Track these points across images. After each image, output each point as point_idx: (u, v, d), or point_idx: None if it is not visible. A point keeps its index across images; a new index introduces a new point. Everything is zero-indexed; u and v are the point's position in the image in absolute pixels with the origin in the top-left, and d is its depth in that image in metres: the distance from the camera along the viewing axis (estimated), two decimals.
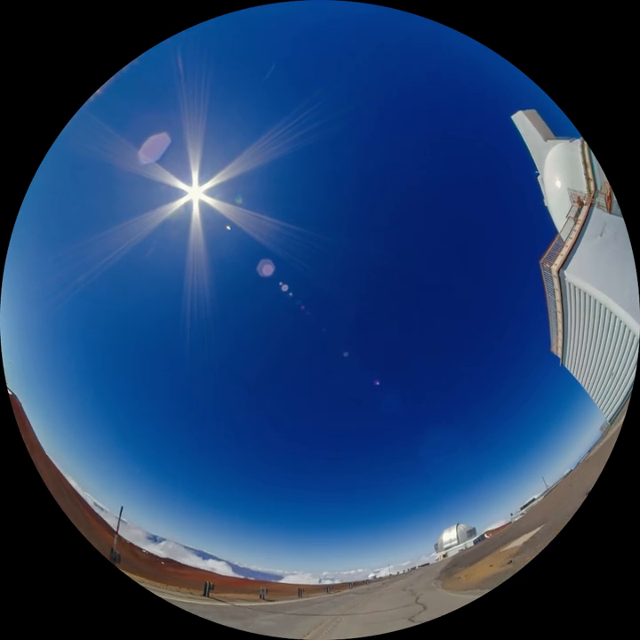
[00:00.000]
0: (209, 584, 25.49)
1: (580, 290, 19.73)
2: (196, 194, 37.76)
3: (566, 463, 29.28)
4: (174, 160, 34.94)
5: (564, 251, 20.44)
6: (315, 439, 51.04)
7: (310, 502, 49.16)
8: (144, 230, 36.83)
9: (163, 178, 35.27)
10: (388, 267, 41.60)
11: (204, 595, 24.57)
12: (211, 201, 38.11)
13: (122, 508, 32.02)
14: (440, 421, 42.33)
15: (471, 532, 46.36)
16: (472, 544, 41.44)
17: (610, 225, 19.78)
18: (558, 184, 24.53)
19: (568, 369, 24.11)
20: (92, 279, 36.40)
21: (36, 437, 30.52)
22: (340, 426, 49.94)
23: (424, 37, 31.93)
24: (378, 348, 45.90)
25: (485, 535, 40.82)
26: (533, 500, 32.81)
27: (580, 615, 3.94)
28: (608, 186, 20.94)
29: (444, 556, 44.25)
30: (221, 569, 38.15)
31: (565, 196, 23.71)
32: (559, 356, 24.58)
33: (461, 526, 48.44)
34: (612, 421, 21.38)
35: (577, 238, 20.24)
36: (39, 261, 36.01)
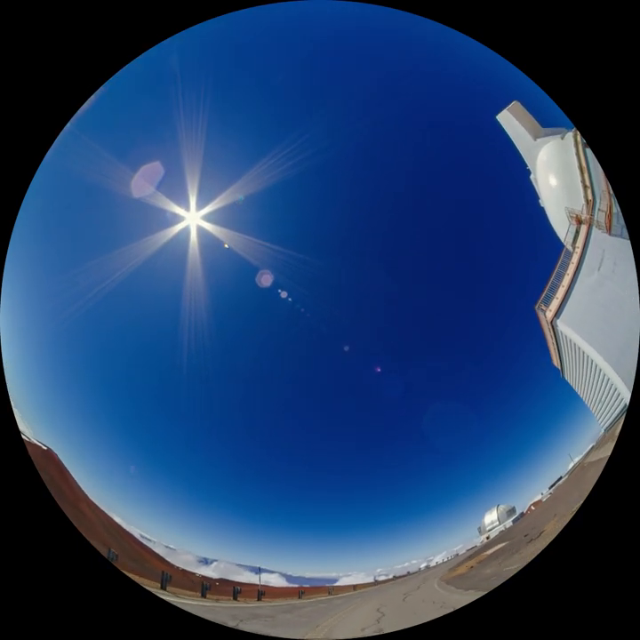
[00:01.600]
0: (301, 591, 34.46)
1: (572, 341, 19.57)
2: (193, 219, 38.76)
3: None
4: (171, 186, 36.23)
5: (560, 292, 20.03)
6: (334, 441, 53.42)
7: (349, 503, 51.47)
8: (141, 256, 37.98)
9: (160, 203, 36.38)
10: (387, 275, 42.81)
11: (299, 598, 32.79)
12: (208, 226, 39.10)
13: (259, 567, 36.15)
14: (455, 407, 43.94)
15: (511, 512, 47.68)
16: (511, 524, 42.91)
17: (609, 252, 19.24)
18: (553, 184, 23.78)
19: (568, 381, 24.05)
20: (88, 305, 37.49)
21: (77, 485, 33.93)
22: (352, 427, 52.21)
23: (418, 37, 31.73)
24: (381, 346, 47.40)
25: (532, 507, 42.10)
26: (560, 478, 33.79)
27: (575, 618, 4.09)
28: (608, 196, 20.03)
29: (487, 538, 46.05)
30: (275, 581, 39.74)
31: (560, 196, 22.99)
32: (559, 368, 24.42)
33: (501, 507, 49.65)
34: (607, 431, 21.37)
35: (574, 274, 19.79)
36: (31, 292, 37.12)
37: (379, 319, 46.13)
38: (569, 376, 23.60)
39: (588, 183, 21.15)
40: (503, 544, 24.04)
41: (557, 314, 20.02)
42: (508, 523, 44.16)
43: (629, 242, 17.07)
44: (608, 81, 5.88)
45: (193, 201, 37.73)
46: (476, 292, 42.68)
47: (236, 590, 25.23)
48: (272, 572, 40.46)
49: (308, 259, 37.67)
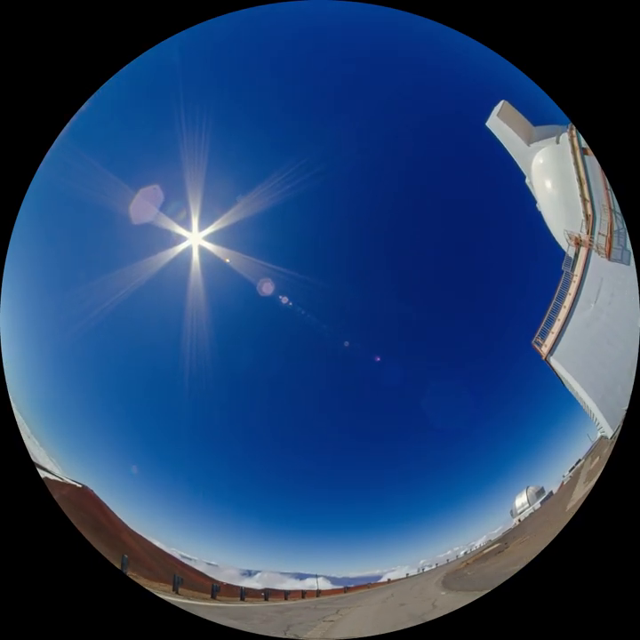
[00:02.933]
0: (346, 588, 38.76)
1: (564, 377, 20.62)
2: (195, 239, 40.22)
3: None
4: (174, 207, 37.16)
5: (556, 327, 20.72)
6: (359, 440, 55.27)
7: (384, 498, 53.26)
8: (142, 277, 39.01)
9: (162, 223, 37.54)
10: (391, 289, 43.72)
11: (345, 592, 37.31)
12: (211, 247, 40.64)
13: (317, 574, 39.14)
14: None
15: (540, 493, 48.91)
16: (539, 505, 44.29)
17: (607, 281, 19.49)
18: (549, 192, 23.75)
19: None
20: (88, 327, 38.51)
21: (116, 517, 36.23)
22: (372, 424, 53.94)
23: (417, 37, 31.87)
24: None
25: (567, 476, 42.78)
26: (579, 460, 34.89)
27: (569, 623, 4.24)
28: (608, 212, 19.93)
29: (519, 521, 47.56)
30: (321, 584, 41.54)
31: (558, 210, 23.07)
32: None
33: (530, 489, 50.88)
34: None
35: (571, 307, 20.38)
36: (29, 314, 37.83)
37: (383, 325, 47.05)
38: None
39: (587, 197, 20.98)
40: (495, 546, 26.69)
41: (551, 350, 20.97)
42: (537, 504, 45.57)
43: (628, 267, 17.86)
44: (607, 79, 6.06)
45: (195, 221, 39.21)
46: (478, 293, 43.43)
47: (242, 591, 27.60)
48: (317, 576, 42.43)
49: (311, 279, 38.71)
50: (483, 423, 48.09)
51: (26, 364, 37.47)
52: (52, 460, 33.69)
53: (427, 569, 46.85)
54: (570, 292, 20.97)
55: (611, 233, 19.84)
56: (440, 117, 35.51)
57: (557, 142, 23.41)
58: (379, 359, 45.03)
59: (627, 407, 15.54)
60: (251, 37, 33.85)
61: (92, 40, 6.55)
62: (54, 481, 29.69)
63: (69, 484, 31.32)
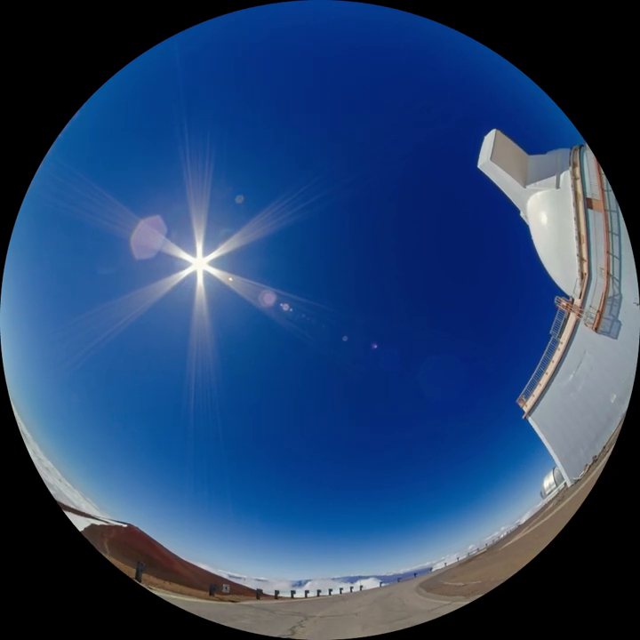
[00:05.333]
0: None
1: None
2: (200, 265, 40.51)
3: None
4: (177, 232, 37.65)
5: (537, 391, 23.42)
6: (380, 435, 57.47)
7: (417, 492, 55.25)
8: (147, 303, 39.30)
9: (166, 249, 37.78)
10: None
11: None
12: (215, 272, 40.93)
13: (363, 576, 41.88)
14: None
15: None
16: (563, 487, 46.12)
17: (590, 353, 20.55)
18: (545, 233, 23.13)
19: None
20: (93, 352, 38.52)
21: (166, 549, 39.13)
22: (387, 422, 56.04)
23: (418, 39, 31.64)
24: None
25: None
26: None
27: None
28: (605, 276, 19.27)
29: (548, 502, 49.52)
30: (370, 584, 42.53)
31: (554, 251, 22.70)
32: None
33: (557, 469, 52.50)
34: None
35: (552, 374, 22.47)
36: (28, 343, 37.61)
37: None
38: None
39: (585, 257, 19.89)
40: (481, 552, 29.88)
41: (530, 412, 24.36)
42: (561, 486, 47.35)
43: (615, 340, 19.93)
44: (608, 80, 6.15)
45: (199, 246, 39.83)
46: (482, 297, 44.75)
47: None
48: (367, 577, 43.68)
49: (319, 305, 39.48)
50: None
51: (40, 402, 38.28)
52: (87, 499, 35.31)
53: (474, 553, 49.25)
54: (553, 359, 22.96)
55: (603, 303, 19.45)
56: (440, 129, 35.12)
57: (557, 186, 21.14)
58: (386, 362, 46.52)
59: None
60: (249, 42, 33.68)
61: (89, 42, 6.41)
62: (100, 527, 31.31)
63: (115, 527, 33.20)
